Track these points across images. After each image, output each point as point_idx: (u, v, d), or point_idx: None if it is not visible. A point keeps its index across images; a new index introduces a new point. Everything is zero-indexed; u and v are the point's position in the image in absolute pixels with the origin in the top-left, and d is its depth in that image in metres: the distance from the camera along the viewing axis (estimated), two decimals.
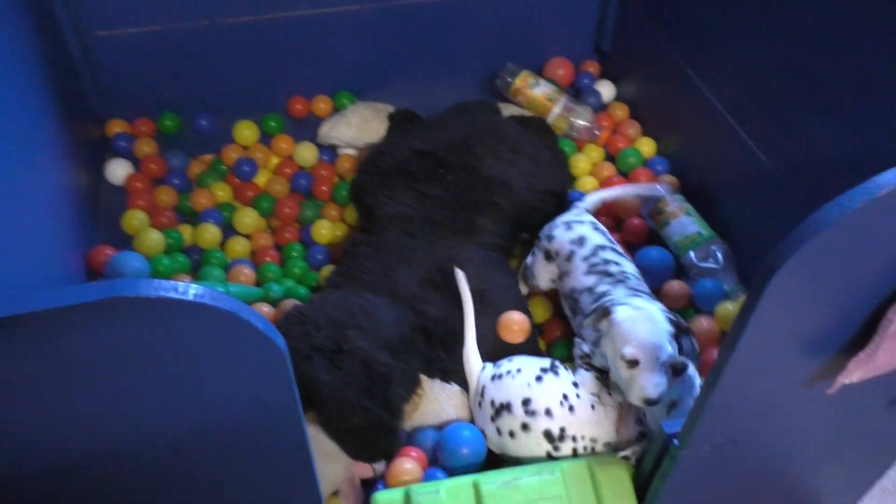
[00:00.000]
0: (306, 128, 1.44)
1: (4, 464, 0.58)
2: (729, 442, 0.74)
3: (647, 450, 0.82)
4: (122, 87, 1.37)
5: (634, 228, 1.26)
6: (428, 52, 1.44)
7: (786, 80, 1.06)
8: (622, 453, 0.90)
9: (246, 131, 1.40)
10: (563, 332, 1.13)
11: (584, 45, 1.54)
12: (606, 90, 1.51)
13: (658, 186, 1.27)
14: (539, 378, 0.93)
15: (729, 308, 1.09)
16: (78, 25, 1.27)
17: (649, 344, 0.85)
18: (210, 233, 1.25)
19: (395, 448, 0.92)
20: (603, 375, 0.93)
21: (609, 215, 1.30)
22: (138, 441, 0.58)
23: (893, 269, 0.59)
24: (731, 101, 1.19)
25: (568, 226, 1.10)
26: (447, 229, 1.13)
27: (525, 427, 0.91)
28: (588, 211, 1.15)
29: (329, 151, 1.41)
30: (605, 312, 0.90)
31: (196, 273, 1.21)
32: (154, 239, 1.20)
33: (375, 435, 0.89)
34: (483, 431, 0.95)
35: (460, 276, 1.04)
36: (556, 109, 1.40)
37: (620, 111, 1.47)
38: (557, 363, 0.96)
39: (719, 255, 1.17)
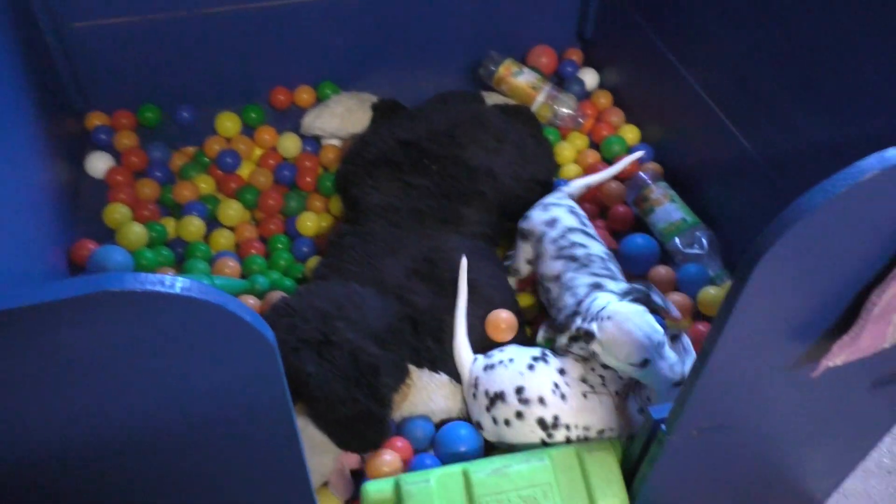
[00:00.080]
0: (289, 118, 1.43)
1: None
2: (715, 426, 0.75)
3: (635, 435, 0.82)
4: (100, 79, 1.35)
5: (619, 216, 1.27)
6: (411, 41, 1.44)
7: (768, 66, 1.06)
8: None
9: (228, 122, 1.39)
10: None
11: (566, 33, 1.54)
12: (590, 78, 1.51)
13: (637, 156, 1.29)
14: (531, 367, 0.94)
15: (711, 293, 1.10)
16: (53, 16, 1.25)
17: (644, 337, 0.86)
18: (194, 225, 1.24)
19: (384, 438, 0.93)
20: (587, 362, 0.94)
21: (594, 202, 1.31)
22: (127, 436, 0.58)
23: (876, 253, 0.59)
24: (713, 87, 1.19)
25: (545, 207, 1.11)
26: (433, 219, 1.13)
27: (519, 415, 0.92)
28: (571, 196, 1.16)
29: (312, 142, 1.40)
30: (587, 336, 0.89)
31: (180, 266, 1.20)
32: (137, 232, 1.19)
33: (364, 426, 0.89)
34: (479, 423, 0.95)
35: (464, 265, 1.04)
36: (540, 98, 1.40)
37: (604, 99, 1.48)
38: (547, 352, 0.97)
39: (704, 241, 1.17)
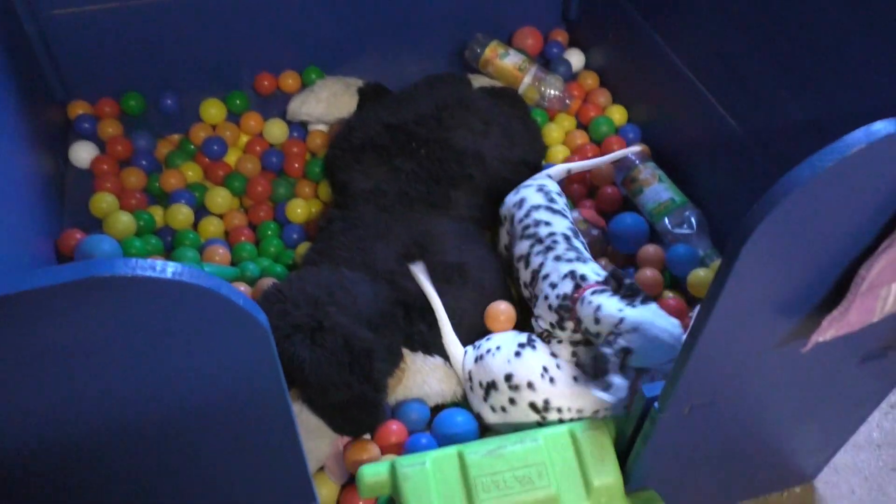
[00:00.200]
0: (274, 104, 1.42)
1: None
2: (707, 403, 0.75)
3: (628, 414, 0.83)
4: (82, 68, 1.33)
5: (608, 197, 1.27)
6: (396, 24, 1.42)
7: (753, 45, 1.06)
8: None
9: (213, 109, 1.37)
10: None
11: (552, 14, 1.53)
12: (576, 59, 1.50)
13: (627, 153, 1.27)
14: (518, 353, 0.94)
15: (701, 275, 1.10)
16: (31, 5, 1.23)
17: (671, 337, 0.85)
18: (182, 213, 1.23)
19: (379, 422, 0.93)
20: (578, 345, 0.94)
21: (583, 183, 1.31)
22: (120, 424, 0.57)
23: (864, 227, 0.60)
24: (699, 67, 1.19)
25: (517, 190, 1.11)
26: (422, 203, 1.12)
27: (512, 401, 0.92)
28: (552, 177, 1.15)
29: (299, 128, 1.39)
30: (626, 353, 0.86)
31: (169, 255, 1.20)
32: (124, 221, 1.18)
33: (359, 410, 0.89)
34: (480, 414, 0.96)
35: (416, 270, 1.02)
36: (527, 79, 1.40)
37: (591, 80, 1.47)
38: (534, 337, 0.97)
39: (693, 221, 1.18)
